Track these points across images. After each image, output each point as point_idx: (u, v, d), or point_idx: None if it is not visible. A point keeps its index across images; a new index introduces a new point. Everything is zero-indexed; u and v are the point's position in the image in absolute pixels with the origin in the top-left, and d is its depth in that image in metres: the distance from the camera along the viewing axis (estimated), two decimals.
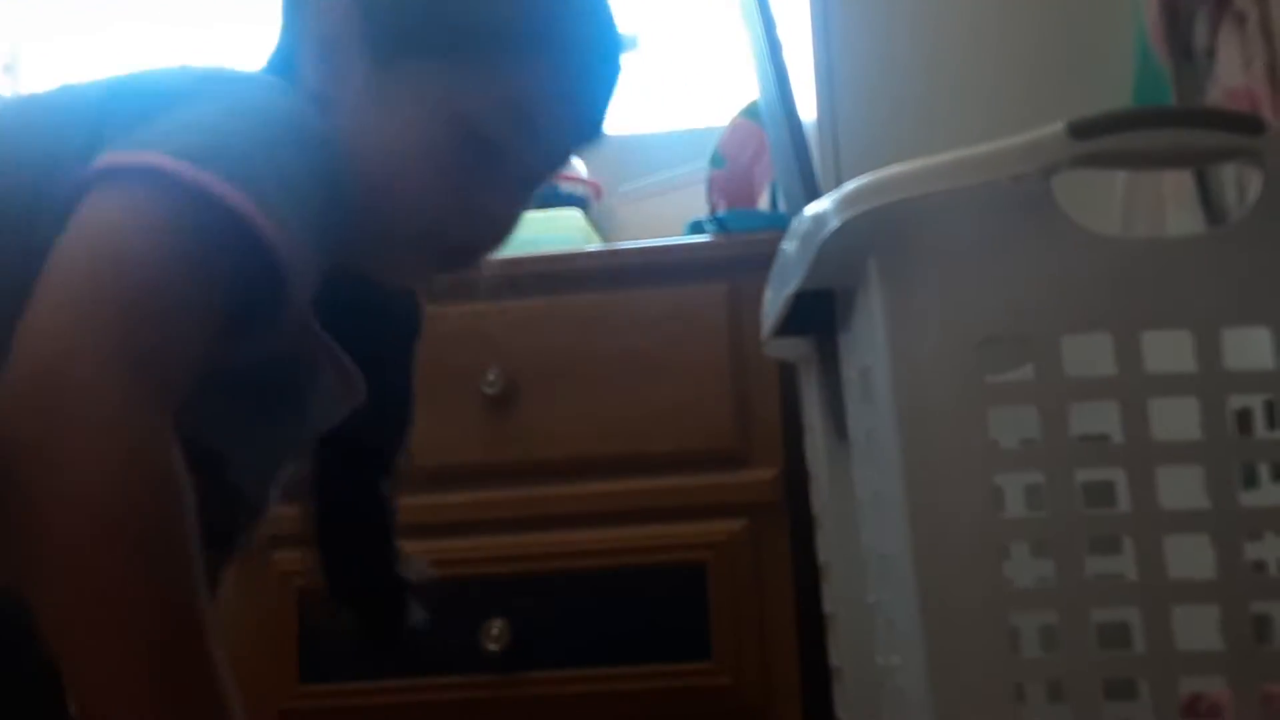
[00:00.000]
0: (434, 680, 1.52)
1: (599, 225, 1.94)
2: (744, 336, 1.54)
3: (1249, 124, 0.83)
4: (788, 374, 1.50)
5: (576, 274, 1.62)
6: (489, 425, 1.57)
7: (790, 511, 1.52)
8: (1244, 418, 0.95)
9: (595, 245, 1.80)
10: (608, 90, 0.87)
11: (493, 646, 1.50)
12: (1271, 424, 0.96)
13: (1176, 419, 0.83)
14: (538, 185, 0.87)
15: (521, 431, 1.57)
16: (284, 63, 0.84)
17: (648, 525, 1.53)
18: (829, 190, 0.93)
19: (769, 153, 1.42)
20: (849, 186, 0.85)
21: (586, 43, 0.85)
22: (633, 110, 2.32)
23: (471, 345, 1.59)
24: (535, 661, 1.51)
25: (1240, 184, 1.22)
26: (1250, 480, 0.95)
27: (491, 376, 1.57)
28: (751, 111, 1.70)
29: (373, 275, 0.86)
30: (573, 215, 1.80)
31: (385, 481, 0.96)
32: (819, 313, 0.95)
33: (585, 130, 0.88)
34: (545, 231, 1.75)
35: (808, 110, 1.45)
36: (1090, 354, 0.83)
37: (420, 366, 1.59)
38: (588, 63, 0.85)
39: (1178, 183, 1.29)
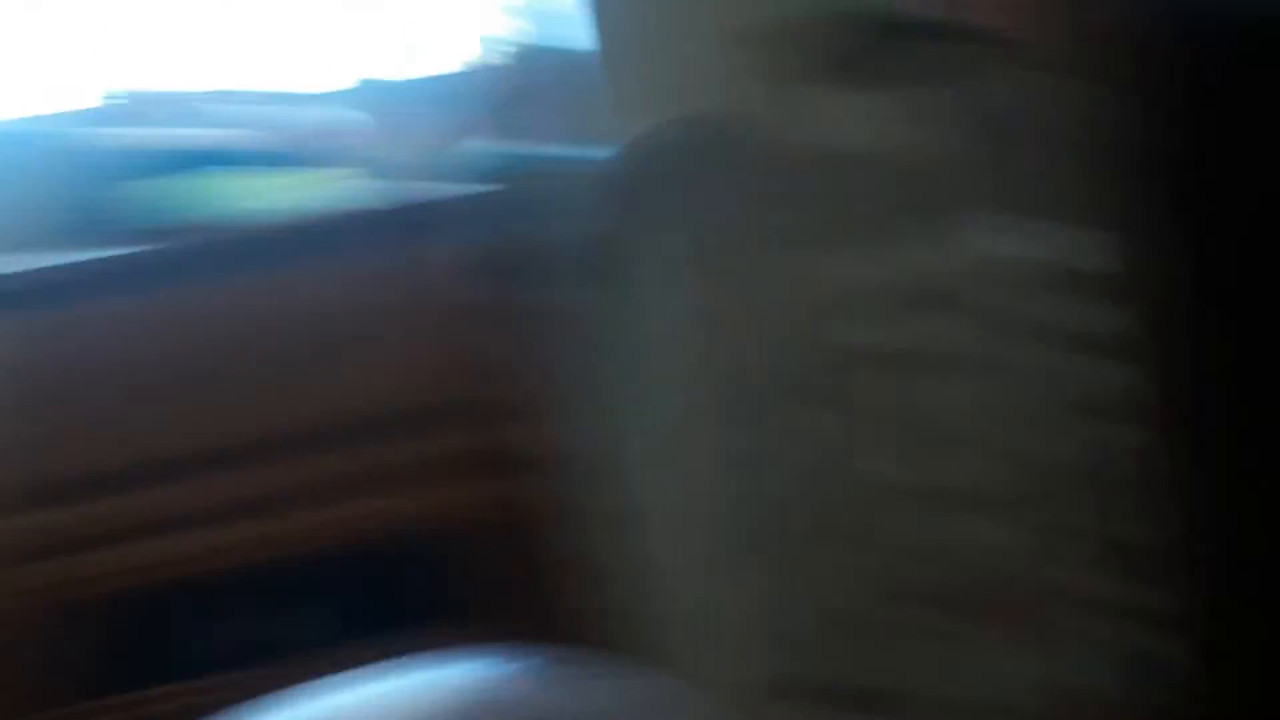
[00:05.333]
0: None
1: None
2: (501, 287, 1.51)
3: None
4: (554, 323, 1.48)
5: None
6: None
7: (562, 466, 1.50)
8: None
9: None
10: None
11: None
12: None
13: None
14: None
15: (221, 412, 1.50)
16: None
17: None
18: (577, 135, 0.92)
19: (541, 93, 1.38)
20: (621, 131, 0.83)
21: None
22: (393, 56, 2.25)
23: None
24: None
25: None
26: None
27: None
28: (519, 50, 1.66)
29: None
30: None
31: None
32: (593, 259, 0.93)
33: None
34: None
35: (582, 44, 1.42)
36: None
37: None
38: None
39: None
